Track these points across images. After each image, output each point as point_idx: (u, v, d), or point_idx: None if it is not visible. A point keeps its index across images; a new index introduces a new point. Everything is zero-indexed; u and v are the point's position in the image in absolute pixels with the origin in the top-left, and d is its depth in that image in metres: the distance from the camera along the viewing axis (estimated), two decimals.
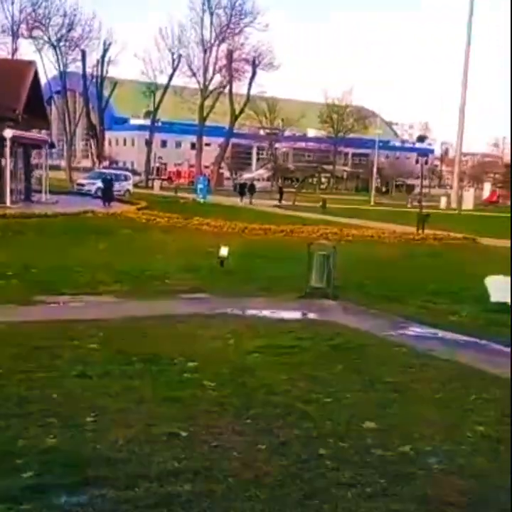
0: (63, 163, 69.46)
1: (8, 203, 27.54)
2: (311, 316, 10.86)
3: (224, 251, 14.63)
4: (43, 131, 39.03)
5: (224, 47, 69.01)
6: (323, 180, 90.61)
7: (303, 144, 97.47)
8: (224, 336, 8.58)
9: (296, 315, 10.98)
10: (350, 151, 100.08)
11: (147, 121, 79.47)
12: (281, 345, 8.26)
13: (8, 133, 27.00)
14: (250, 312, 10.66)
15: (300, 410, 6.00)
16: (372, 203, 55.24)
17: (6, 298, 10.48)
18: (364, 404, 6.27)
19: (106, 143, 77.28)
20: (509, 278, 11.56)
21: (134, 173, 64.42)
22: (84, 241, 18.34)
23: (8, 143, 27.21)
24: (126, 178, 45.90)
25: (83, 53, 61.77)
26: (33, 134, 33.48)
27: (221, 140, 73.13)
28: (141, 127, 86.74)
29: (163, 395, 6.14)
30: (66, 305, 10.49)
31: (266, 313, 10.58)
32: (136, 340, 8.20)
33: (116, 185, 38.27)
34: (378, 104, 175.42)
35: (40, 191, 33.62)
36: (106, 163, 68.48)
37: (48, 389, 6.20)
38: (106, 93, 66.06)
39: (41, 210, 26.25)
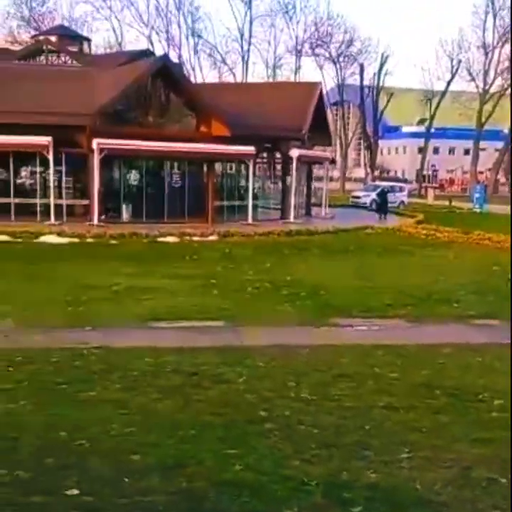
0: (335, 174, 71.69)
1: (291, 219, 29.20)
2: None
3: None
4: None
5: (507, 49, 66.32)
6: None
7: None
8: None
9: None
10: None
11: (420, 129, 79.02)
12: None
13: (295, 152, 28.69)
14: None
15: None
16: None
17: (302, 319, 11.19)
18: None
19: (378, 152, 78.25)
20: None
21: (405, 181, 64.36)
22: (367, 259, 18.81)
23: (294, 162, 28.90)
24: (400, 190, 46.09)
25: (361, 67, 63.65)
26: (317, 152, 35.14)
27: (498, 144, 70.18)
28: (413, 134, 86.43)
29: (475, 435, 6.15)
30: (359, 328, 10.87)
31: None
32: (436, 370, 8.27)
33: (391, 197, 38.56)
34: None
35: (318, 205, 35.07)
36: (377, 172, 69.33)
37: (359, 419, 6.54)
38: (380, 103, 67.17)
39: (322, 226, 27.33)
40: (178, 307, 11.91)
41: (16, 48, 53.38)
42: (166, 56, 31.23)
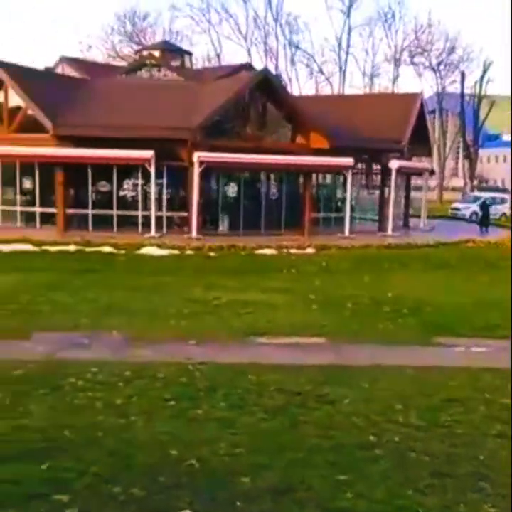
0: (432, 183, 70.28)
1: (389, 231, 28.78)
2: None
3: None
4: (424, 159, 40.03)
5: None
6: None
7: None
8: None
9: None
10: None
11: None
12: None
13: (394, 164, 28.34)
14: None
15: None
16: None
17: (405, 338, 10.95)
18: None
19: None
20: None
21: (504, 191, 62.34)
22: (470, 274, 18.29)
23: (393, 173, 28.55)
24: (502, 201, 44.65)
25: (462, 75, 62.29)
26: (417, 163, 34.62)
27: None
28: None
29: None
30: (465, 349, 10.53)
31: None
32: None
33: (492, 209, 37.41)
34: None
35: (416, 216, 34.42)
36: (475, 182, 67.52)
37: (472, 448, 6.32)
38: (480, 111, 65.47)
39: (422, 238, 26.80)
40: (278, 322, 11.93)
41: (118, 62, 55.30)
42: (266, 69, 31.47)
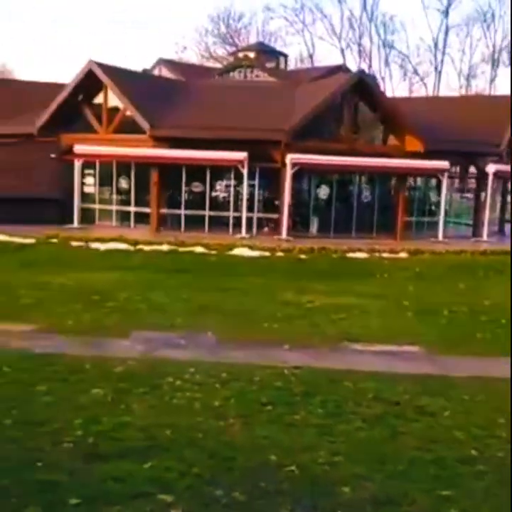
0: None
1: (484, 237, 28.00)
2: None
3: None
4: None
5: None
6: None
7: None
8: None
9: None
10: None
11: None
12: None
13: (491, 168, 27.53)
14: None
15: None
16: None
17: (504, 350, 10.55)
18: None
19: None
20: None
21: None
22: None
23: (490, 177, 27.75)
24: None
25: None
26: None
27: None
28: None
29: None
30: None
31: None
32: None
33: None
34: None
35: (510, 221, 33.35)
36: None
37: None
38: None
39: None
40: (372, 329, 11.80)
41: (212, 63, 56.07)
42: (362, 71, 31.24)
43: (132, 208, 27.20)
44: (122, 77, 27.06)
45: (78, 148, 25.66)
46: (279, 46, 54.34)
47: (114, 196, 27.67)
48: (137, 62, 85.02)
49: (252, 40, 57.48)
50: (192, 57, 59.79)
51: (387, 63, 67.72)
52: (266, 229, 26.91)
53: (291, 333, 11.09)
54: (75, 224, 25.90)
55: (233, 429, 6.55)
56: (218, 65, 53.56)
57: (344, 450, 6.16)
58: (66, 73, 73.60)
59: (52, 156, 26.48)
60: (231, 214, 26.93)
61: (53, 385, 7.63)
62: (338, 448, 6.21)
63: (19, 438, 6.08)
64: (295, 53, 65.57)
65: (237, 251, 21.56)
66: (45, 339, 9.96)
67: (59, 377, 7.90)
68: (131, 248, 21.23)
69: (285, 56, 38.17)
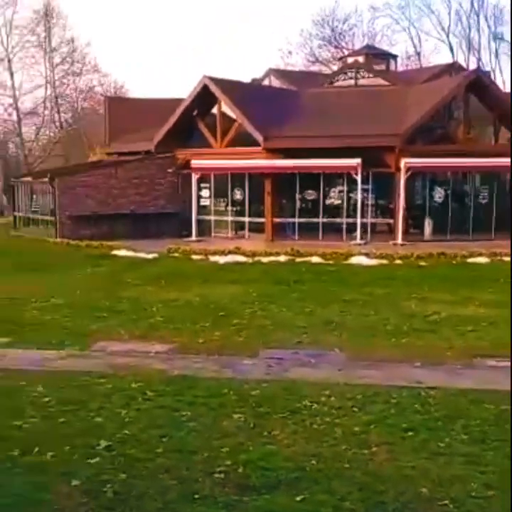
0: None
1: None
2: None
3: None
4: None
5: None
6: None
7: None
8: None
9: None
10: None
11: None
12: None
13: None
14: None
15: None
16: None
17: None
18: None
19: None
20: None
21: None
22: None
23: None
24: None
25: None
26: None
27: None
28: None
29: None
30: None
31: None
32: None
33: None
34: None
35: None
36: None
37: None
38: None
39: None
40: (505, 342, 11.40)
41: (317, 67, 55.96)
42: (479, 70, 30.36)
43: (247, 219, 27.62)
44: (235, 91, 27.50)
45: (195, 163, 26.36)
46: (385, 45, 53.60)
47: (229, 207, 28.19)
48: (243, 70, 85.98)
49: (357, 40, 57.01)
50: (298, 61, 59.83)
51: (497, 56, 65.33)
52: (381, 234, 26.62)
53: (420, 349, 10.93)
54: (194, 237, 26.57)
55: (378, 458, 6.52)
56: (324, 68, 53.42)
57: (496, 482, 6.01)
58: (169, 87, 75.44)
59: (170, 170, 27.30)
60: (344, 220, 26.83)
61: (196, 410, 7.85)
62: (489, 480, 6.05)
63: (172, 467, 6.28)
64: (401, 51, 64.42)
65: (355, 260, 21.42)
66: (181, 359, 10.26)
67: (200, 402, 8.11)
68: (249, 260, 21.53)
69: (395, 57, 37.55)
